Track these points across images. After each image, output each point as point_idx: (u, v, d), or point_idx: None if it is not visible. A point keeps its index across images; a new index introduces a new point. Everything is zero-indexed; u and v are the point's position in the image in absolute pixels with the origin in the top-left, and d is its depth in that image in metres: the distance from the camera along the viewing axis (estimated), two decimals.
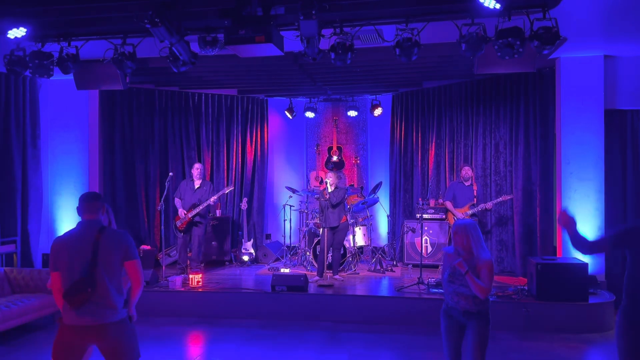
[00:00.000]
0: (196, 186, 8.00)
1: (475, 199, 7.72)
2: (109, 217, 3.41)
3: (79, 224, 3.25)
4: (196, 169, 8.03)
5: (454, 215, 7.80)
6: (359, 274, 7.92)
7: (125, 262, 3.17)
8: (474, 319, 3.52)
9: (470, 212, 7.60)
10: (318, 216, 7.84)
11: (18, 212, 7.17)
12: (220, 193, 8.01)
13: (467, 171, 7.79)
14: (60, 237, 3.24)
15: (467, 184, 7.80)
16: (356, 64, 6.46)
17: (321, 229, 7.47)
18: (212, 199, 7.80)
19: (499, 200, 7.65)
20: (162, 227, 7.72)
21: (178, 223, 7.93)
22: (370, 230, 8.84)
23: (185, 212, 7.85)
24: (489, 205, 7.62)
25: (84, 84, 6.77)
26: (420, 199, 8.65)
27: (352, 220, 8.33)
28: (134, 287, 3.25)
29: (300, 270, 7.90)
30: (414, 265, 8.30)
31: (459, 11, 4.92)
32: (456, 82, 8.61)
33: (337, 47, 5.13)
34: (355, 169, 10.29)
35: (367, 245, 8.82)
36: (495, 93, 8.09)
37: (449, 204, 7.91)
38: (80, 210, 3.26)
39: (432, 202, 8.45)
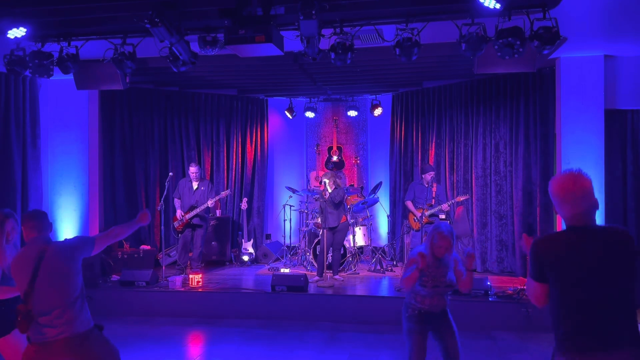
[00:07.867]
0: (194, 187, 7.99)
1: (433, 200, 7.66)
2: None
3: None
4: (192, 172, 8.00)
5: (413, 215, 7.70)
6: (359, 274, 7.92)
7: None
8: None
9: (428, 212, 7.49)
10: (319, 217, 7.82)
11: (18, 212, 7.16)
12: (217, 197, 7.99)
13: (431, 175, 7.69)
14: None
15: (426, 185, 7.72)
16: (356, 64, 6.46)
17: (321, 230, 7.47)
18: (209, 202, 7.79)
19: (453, 201, 7.64)
20: (162, 227, 7.71)
21: (175, 224, 7.92)
22: (370, 230, 8.84)
23: (183, 214, 7.84)
24: (444, 206, 7.53)
25: (84, 84, 6.78)
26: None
27: (352, 220, 8.33)
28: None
29: (300, 270, 7.90)
30: None
31: (459, 11, 4.92)
32: (456, 82, 8.60)
33: (337, 47, 5.13)
34: (355, 169, 10.28)
35: (367, 245, 8.82)
36: (495, 93, 8.08)
37: (409, 204, 7.78)
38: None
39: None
